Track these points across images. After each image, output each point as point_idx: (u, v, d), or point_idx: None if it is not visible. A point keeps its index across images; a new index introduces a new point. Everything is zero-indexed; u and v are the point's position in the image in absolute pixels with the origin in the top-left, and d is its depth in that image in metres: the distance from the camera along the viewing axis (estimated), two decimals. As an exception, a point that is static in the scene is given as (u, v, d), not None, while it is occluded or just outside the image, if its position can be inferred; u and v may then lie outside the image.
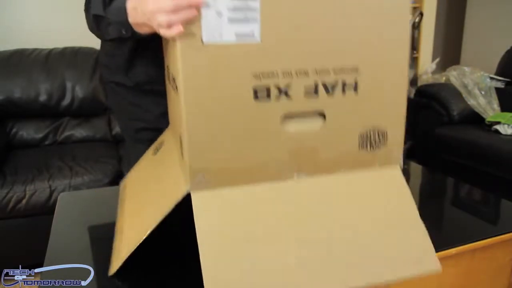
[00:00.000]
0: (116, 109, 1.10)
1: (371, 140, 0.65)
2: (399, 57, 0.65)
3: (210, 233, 0.58)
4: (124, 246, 0.66)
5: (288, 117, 0.61)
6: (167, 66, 0.74)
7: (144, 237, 0.61)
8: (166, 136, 0.83)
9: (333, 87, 0.61)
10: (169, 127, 0.84)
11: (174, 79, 0.62)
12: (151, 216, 0.63)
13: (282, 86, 0.59)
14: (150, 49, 0.94)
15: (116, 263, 0.64)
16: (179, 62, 0.55)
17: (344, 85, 0.62)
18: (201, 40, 0.54)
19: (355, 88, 0.63)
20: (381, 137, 0.66)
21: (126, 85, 1.02)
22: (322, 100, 0.61)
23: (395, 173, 0.68)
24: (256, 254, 0.59)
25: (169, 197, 0.62)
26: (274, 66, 0.58)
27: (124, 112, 1.06)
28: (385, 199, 0.67)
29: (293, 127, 0.62)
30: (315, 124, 0.63)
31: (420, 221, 0.65)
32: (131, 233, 0.68)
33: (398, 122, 0.67)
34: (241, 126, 0.59)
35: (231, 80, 0.57)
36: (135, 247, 0.62)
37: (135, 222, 0.71)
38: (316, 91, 0.61)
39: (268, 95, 0.59)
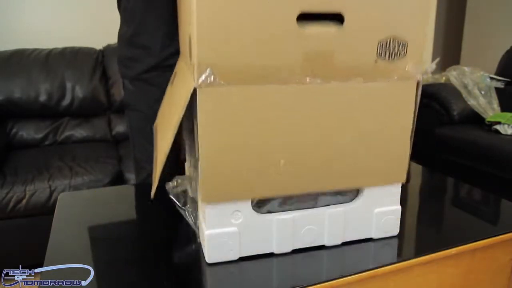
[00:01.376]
0: (139, 106, 1.07)
1: (391, 50, 0.63)
2: None
3: (211, 127, 0.58)
4: (157, 168, 0.66)
5: (305, 16, 0.58)
6: None
7: (170, 146, 0.61)
8: (178, 66, 0.81)
9: None
10: (180, 55, 0.82)
11: None
12: (170, 127, 0.63)
13: None
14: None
15: (154, 185, 0.66)
16: None
17: None
18: None
19: None
20: (401, 47, 0.63)
21: (156, 66, 0.99)
22: (342, 1, 0.59)
23: (409, 90, 0.67)
24: (251, 149, 0.60)
25: (181, 101, 0.61)
26: None
27: (149, 107, 1.04)
28: (387, 113, 0.66)
29: (310, 27, 0.59)
30: (333, 26, 0.60)
31: (408, 139, 0.68)
32: (159, 154, 0.68)
33: (420, 35, 0.64)
34: (254, 20, 0.57)
35: None
36: (164, 160, 0.63)
37: (161, 143, 0.70)
38: None
39: None
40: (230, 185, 0.61)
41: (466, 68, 2.51)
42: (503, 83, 2.52)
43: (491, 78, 2.49)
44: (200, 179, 0.60)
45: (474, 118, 2.35)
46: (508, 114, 2.24)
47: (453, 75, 2.50)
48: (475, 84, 2.42)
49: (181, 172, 0.90)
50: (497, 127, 2.20)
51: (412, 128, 0.69)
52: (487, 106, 2.36)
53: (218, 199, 0.62)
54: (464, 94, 2.41)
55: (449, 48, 3.43)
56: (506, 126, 2.18)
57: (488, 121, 2.27)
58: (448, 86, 2.47)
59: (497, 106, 2.38)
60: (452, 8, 3.40)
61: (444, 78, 2.59)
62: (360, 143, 0.66)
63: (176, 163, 0.92)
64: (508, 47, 2.66)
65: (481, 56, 3.17)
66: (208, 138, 0.58)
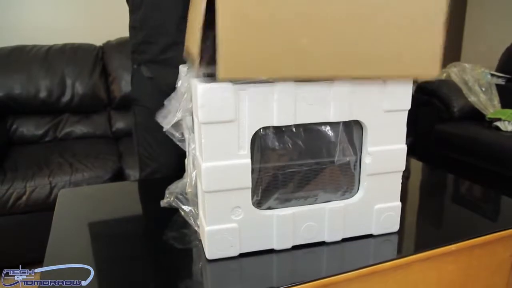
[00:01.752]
0: (147, 102, 1.06)
1: None
2: None
3: (231, 12, 0.55)
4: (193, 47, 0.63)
5: None
6: None
7: (203, 20, 0.57)
8: None
9: None
10: None
11: None
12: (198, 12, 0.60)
13: None
14: None
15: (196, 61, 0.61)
16: None
17: None
18: None
19: None
20: None
21: (173, 43, 0.96)
22: None
23: None
24: (272, 23, 0.57)
25: None
26: None
27: (155, 101, 1.02)
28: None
29: None
30: None
31: (441, 26, 0.66)
32: (192, 37, 0.64)
33: None
34: None
35: None
36: (201, 35, 0.58)
37: (193, 25, 0.66)
38: None
39: None
40: (249, 60, 0.58)
41: (466, 65, 2.50)
42: (503, 80, 2.52)
43: (492, 75, 2.49)
44: (219, 52, 0.56)
45: (475, 115, 2.35)
46: (509, 111, 2.24)
47: (453, 72, 2.49)
48: (475, 81, 2.42)
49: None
50: (498, 123, 2.19)
51: (446, 16, 0.65)
52: (488, 103, 2.36)
53: (236, 74, 0.58)
54: (465, 90, 2.40)
55: (450, 45, 3.43)
56: (506, 122, 2.18)
57: (489, 118, 2.27)
58: (448, 83, 2.47)
59: (497, 103, 2.37)
60: (452, 7, 3.39)
61: (444, 74, 2.59)
62: (389, 26, 0.62)
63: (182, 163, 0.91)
64: (508, 44, 2.65)
65: (481, 52, 3.17)
66: (227, 9, 0.55)
